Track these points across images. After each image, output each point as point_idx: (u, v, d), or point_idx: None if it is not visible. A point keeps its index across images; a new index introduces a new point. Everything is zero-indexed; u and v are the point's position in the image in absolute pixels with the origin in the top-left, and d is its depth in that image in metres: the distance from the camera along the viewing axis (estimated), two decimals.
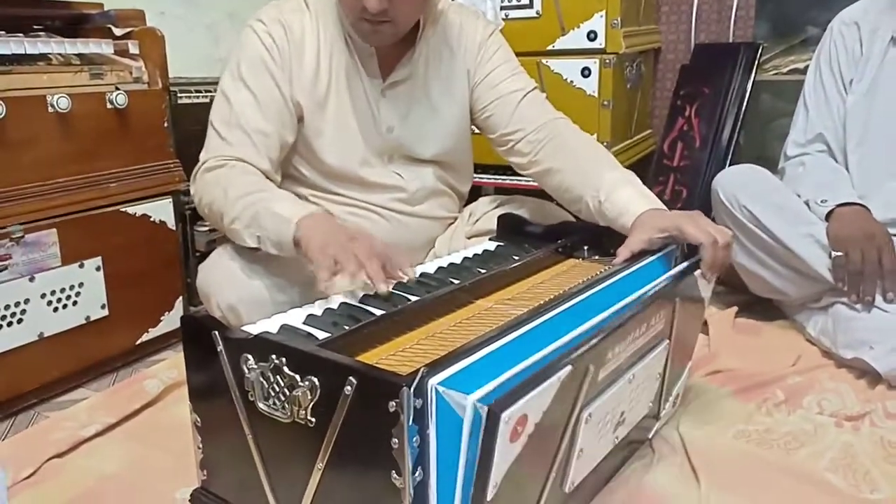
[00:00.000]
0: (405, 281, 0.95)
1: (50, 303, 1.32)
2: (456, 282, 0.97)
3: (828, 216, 1.42)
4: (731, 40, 2.09)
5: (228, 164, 1.15)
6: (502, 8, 1.90)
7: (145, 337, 1.50)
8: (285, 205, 1.06)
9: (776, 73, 2.06)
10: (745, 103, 2.00)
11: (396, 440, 0.63)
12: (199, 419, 0.83)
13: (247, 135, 1.17)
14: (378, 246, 0.96)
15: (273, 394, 0.72)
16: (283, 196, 1.11)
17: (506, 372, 0.66)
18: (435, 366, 0.65)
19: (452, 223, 1.40)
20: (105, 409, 1.25)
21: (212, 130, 1.20)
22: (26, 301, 1.28)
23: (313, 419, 0.69)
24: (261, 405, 0.74)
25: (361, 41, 1.19)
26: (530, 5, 1.87)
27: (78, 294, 1.36)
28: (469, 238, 1.34)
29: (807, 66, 1.66)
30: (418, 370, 0.63)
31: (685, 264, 1.01)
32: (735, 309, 1.60)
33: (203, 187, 1.16)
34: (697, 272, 1.00)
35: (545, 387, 0.65)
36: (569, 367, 0.68)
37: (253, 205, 1.06)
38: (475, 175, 1.48)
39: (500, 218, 1.27)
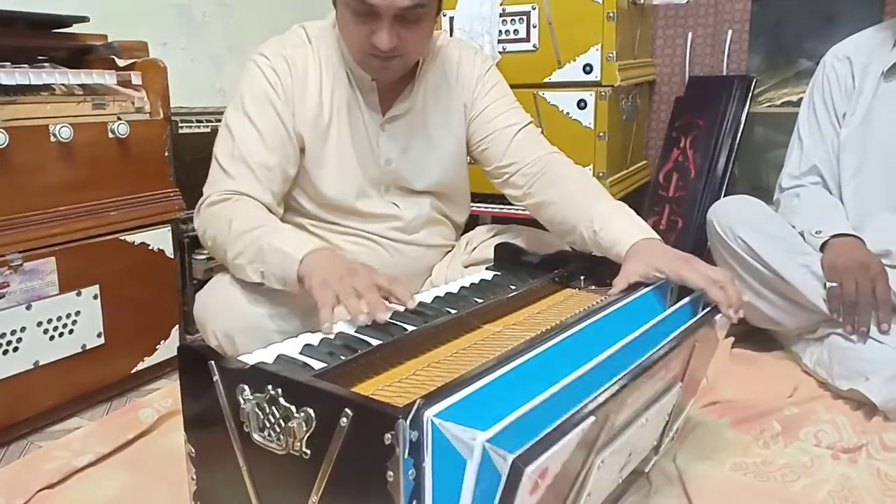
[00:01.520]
0: (404, 309, 0.96)
1: (46, 331, 1.32)
2: (453, 311, 0.97)
3: (822, 247, 1.43)
4: (724, 73, 2.12)
5: (232, 199, 1.16)
6: (500, 41, 1.92)
7: (141, 365, 1.50)
8: (289, 240, 1.06)
9: (770, 106, 2.09)
10: (739, 135, 2.02)
11: (392, 473, 0.62)
12: (193, 450, 0.82)
13: (250, 169, 1.18)
14: (378, 278, 0.96)
15: (268, 425, 0.72)
16: (287, 231, 1.12)
17: (507, 406, 0.64)
18: (431, 397, 0.65)
19: (449, 251, 1.41)
20: (98, 439, 1.24)
21: (215, 164, 1.21)
22: (22, 329, 1.28)
23: (308, 451, 0.69)
24: (256, 436, 0.73)
25: (370, 77, 1.21)
26: (527, 39, 1.89)
27: (74, 322, 1.36)
28: (466, 267, 1.35)
29: (800, 99, 1.69)
30: (414, 402, 0.63)
31: (707, 311, 1.00)
32: (732, 339, 1.60)
33: (207, 221, 1.17)
34: (719, 316, 0.99)
35: (569, 439, 0.63)
36: (592, 419, 0.66)
37: (257, 240, 1.07)
38: (472, 204, 1.49)
39: (497, 247, 1.28)
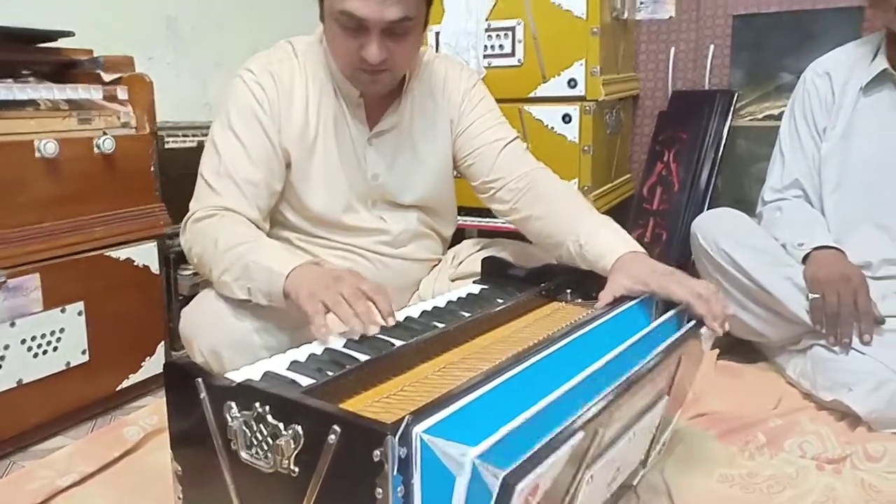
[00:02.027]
0: (388, 326, 0.96)
1: (30, 349, 1.31)
2: (441, 325, 0.98)
3: (805, 259, 1.45)
4: (707, 87, 2.15)
5: (218, 215, 1.16)
6: (485, 56, 1.94)
7: (126, 383, 1.48)
8: (274, 256, 1.06)
9: (752, 120, 2.12)
10: (721, 148, 2.05)
11: (380, 490, 0.62)
12: (180, 468, 0.82)
13: (236, 184, 1.18)
14: (365, 285, 0.97)
15: (256, 442, 0.72)
16: (272, 247, 1.12)
17: (495, 421, 0.64)
18: (420, 413, 0.65)
19: (436, 265, 1.41)
20: (83, 458, 1.22)
21: (201, 180, 1.21)
22: (6, 347, 1.27)
23: (296, 469, 0.69)
24: (243, 454, 0.73)
25: (357, 92, 1.22)
26: (512, 54, 1.91)
27: (59, 339, 1.35)
28: (453, 280, 1.35)
29: (781, 113, 1.71)
30: (403, 418, 0.63)
31: (691, 324, 1.01)
32: (717, 351, 1.61)
33: (193, 237, 1.16)
34: (704, 329, 1.00)
35: (559, 455, 0.63)
36: (581, 434, 0.67)
37: (242, 256, 1.07)
38: (459, 217, 1.50)
39: (483, 261, 1.28)
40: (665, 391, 0.96)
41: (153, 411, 1.38)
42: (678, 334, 0.96)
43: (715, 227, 1.55)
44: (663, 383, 0.93)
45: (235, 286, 1.08)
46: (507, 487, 0.57)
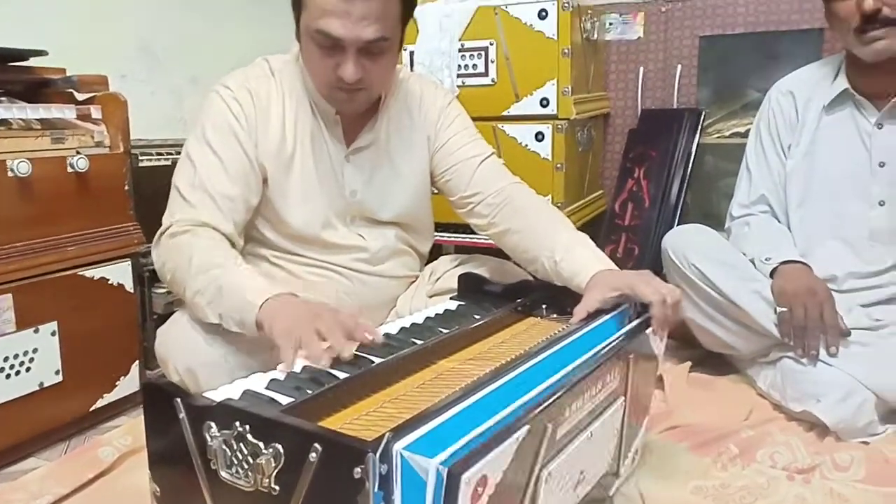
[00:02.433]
0: (369, 342, 0.95)
1: (2, 369, 1.29)
2: (419, 342, 0.99)
3: (772, 273, 1.48)
4: (675, 106, 2.20)
5: (192, 231, 1.14)
6: (459, 76, 1.97)
7: (100, 402, 1.47)
8: (248, 284, 1.04)
9: (719, 137, 2.17)
10: (690, 165, 2.09)
11: None
12: (158, 489, 0.81)
13: (211, 198, 1.17)
14: (342, 318, 0.95)
15: (236, 462, 0.72)
16: (247, 273, 1.09)
17: (467, 434, 0.67)
18: (399, 430, 0.66)
19: (414, 282, 1.42)
20: (57, 479, 1.21)
21: (175, 193, 1.20)
22: None
23: (277, 487, 0.69)
24: (223, 474, 0.73)
25: (335, 109, 1.23)
26: (486, 73, 1.94)
27: (31, 360, 1.33)
28: (430, 297, 1.36)
29: (747, 130, 1.76)
30: (383, 435, 0.64)
31: (635, 322, 1.05)
32: (689, 364, 1.64)
33: (166, 253, 1.15)
34: (649, 330, 1.04)
35: (504, 447, 0.66)
36: (526, 427, 0.70)
37: (216, 279, 1.06)
38: (436, 233, 1.51)
39: (460, 277, 1.30)
40: (620, 392, 0.98)
41: (128, 431, 1.37)
42: (619, 333, 1.00)
43: (685, 243, 1.58)
44: (616, 383, 0.96)
45: (208, 309, 1.07)
46: (453, 478, 0.61)
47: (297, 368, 0.90)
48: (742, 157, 1.70)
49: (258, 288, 1.03)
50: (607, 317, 1.07)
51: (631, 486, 1.15)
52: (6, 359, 1.29)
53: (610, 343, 0.95)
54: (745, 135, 1.74)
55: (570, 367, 0.86)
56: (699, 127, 2.11)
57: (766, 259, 1.50)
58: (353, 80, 1.12)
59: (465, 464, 0.62)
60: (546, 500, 0.80)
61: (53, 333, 1.37)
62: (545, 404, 0.75)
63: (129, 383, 1.52)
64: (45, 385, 1.36)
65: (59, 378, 1.38)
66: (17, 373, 1.31)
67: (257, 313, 0.99)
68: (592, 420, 0.91)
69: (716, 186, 2.15)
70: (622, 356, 0.96)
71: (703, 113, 2.13)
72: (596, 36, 2.07)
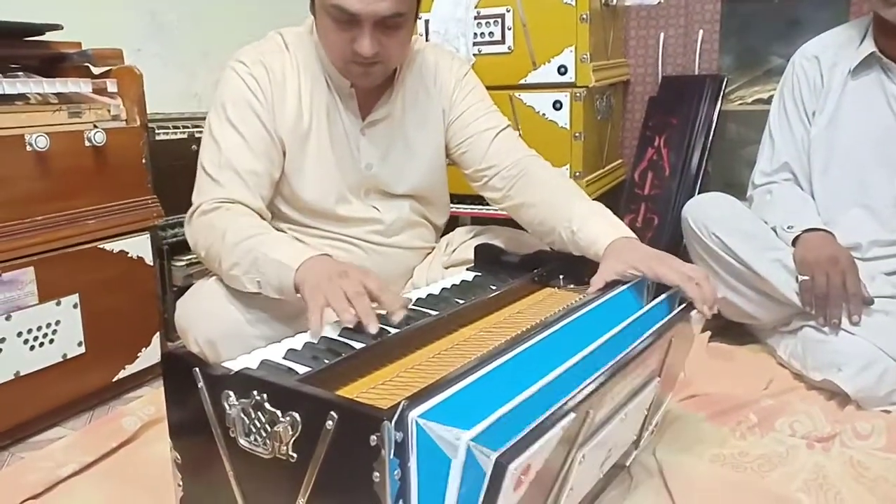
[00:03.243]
0: (394, 321, 0.94)
1: (27, 341, 1.31)
2: (435, 313, 0.99)
3: (794, 242, 1.46)
4: (696, 73, 2.15)
5: (223, 207, 1.16)
6: (475, 44, 1.94)
7: (122, 374, 1.49)
8: (284, 250, 1.06)
9: (741, 104, 2.13)
10: (711, 133, 2.05)
11: (378, 474, 0.63)
12: (179, 456, 0.83)
13: (238, 175, 1.18)
14: (369, 282, 0.96)
15: (254, 430, 0.73)
16: (282, 240, 1.12)
17: (489, 405, 0.66)
18: (415, 398, 0.66)
19: (429, 253, 1.42)
20: (82, 448, 1.23)
21: (202, 173, 1.21)
22: (2, 340, 1.27)
23: (294, 455, 0.70)
24: (242, 441, 0.74)
25: (349, 83, 1.22)
26: (502, 41, 1.91)
27: (55, 332, 1.35)
28: (446, 268, 1.36)
29: (770, 97, 1.72)
30: (399, 403, 0.64)
31: (681, 308, 1.02)
32: (708, 334, 1.63)
33: (199, 231, 1.16)
34: (694, 312, 1.01)
35: (550, 436, 0.65)
36: (572, 415, 0.68)
37: (252, 250, 1.07)
38: (451, 205, 1.51)
39: (476, 248, 1.29)
40: (656, 373, 0.97)
41: (150, 401, 1.39)
42: (669, 317, 0.98)
43: (705, 212, 1.56)
44: (654, 365, 0.95)
45: (245, 279, 1.08)
46: (500, 467, 0.59)
47: (326, 330, 0.91)
48: (765, 125, 1.66)
49: (294, 252, 1.05)
50: (624, 287, 1.06)
51: (648, 455, 1.15)
52: (29, 331, 1.31)
53: (657, 329, 0.92)
54: (768, 101, 1.70)
55: (619, 356, 0.82)
56: (721, 94, 2.06)
57: (788, 227, 1.48)
58: (369, 55, 1.11)
59: (513, 453, 0.60)
60: (576, 479, 0.80)
61: (75, 306, 1.39)
62: (591, 390, 0.73)
63: (150, 354, 1.54)
64: (69, 356, 1.39)
65: (82, 350, 1.41)
66: (41, 344, 1.34)
67: (294, 276, 1.01)
68: (628, 401, 0.90)
69: (738, 154, 2.12)
70: (665, 340, 0.94)
71: (725, 79, 2.09)
72: (615, 1, 2.03)
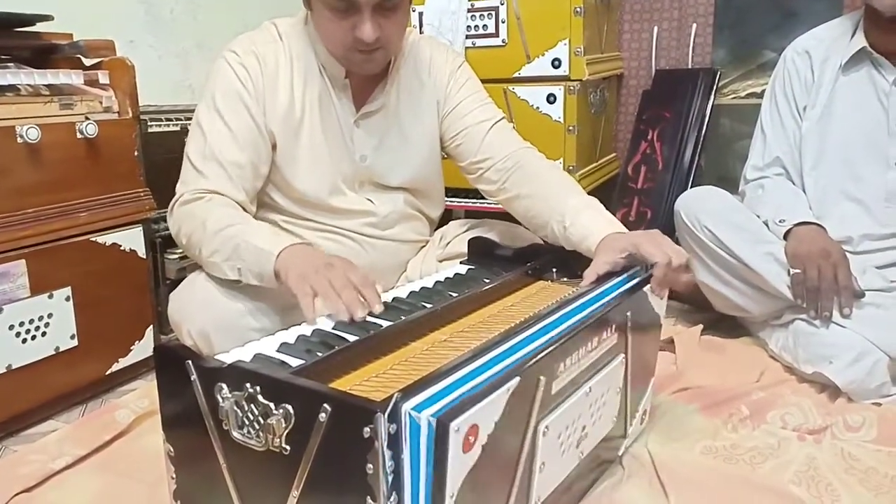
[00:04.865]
0: (375, 313, 0.96)
1: (18, 334, 1.31)
2: (428, 306, 0.99)
3: (786, 235, 1.47)
4: (690, 66, 2.16)
5: (205, 197, 1.16)
6: (468, 36, 1.94)
7: (115, 367, 1.49)
8: (265, 237, 1.07)
9: (734, 98, 2.13)
10: (704, 127, 2.06)
11: (371, 466, 0.64)
12: (172, 449, 0.83)
13: (222, 167, 1.18)
14: (354, 275, 0.97)
15: (247, 422, 0.73)
16: (262, 228, 1.13)
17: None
18: (408, 391, 0.67)
19: (423, 246, 1.42)
20: (75, 441, 1.23)
21: (187, 163, 1.21)
22: None
23: (288, 447, 0.70)
24: (235, 434, 0.74)
25: (345, 73, 1.22)
26: (496, 34, 1.91)
27: (47, 325, 1.35)
28: (440, 261, 1.36)
29: (763, 90, 1.72)
30: (392, 395, 0.64)
31: (634, 281, 1.04)
32: (700, 327, 1.63)
33: (181, 220, 1.17)
34: (646, 288, 1.03)
35: (494, 397, 0.68)
36: (517, 379, 0.71)
37: (232, 238, 1.08)
38: (446, 198, 1.51)
39: (470, 241, 1.29)
40: (620, 350, 0.99)
41: (144, 394, 1.39)
42: (620, 289, 1.01)
43: (698, 205, 1.56)
44: (614, 340, 0.96)
45: (226, 266, 1.09)
46: (442, 427, 0.62)
47: (320, 322, 0.92)
48: (757, 119, 1.67)
49: (274, 239, 1.06)
50: (616, 279, 1.07)
51: (640, 446, 1.15)
52: (21, 323, 1.31)
53: (605, 301, 0.96)
54: (762, 95, 1.71)
55: (564, 325, 0.87)
56: (714, 88, 2.07)
57: (780, 221, 1.49)
58: (371, 40, 1.11)
59: (454, 412, 0.63)
60: (546, 455, 0.81)
61: (68, 299, 1.38)
62: (536, 358, 0.76)
63: (143, 347, 1.54)
64: (61, 349, 1.38)
65: (75, 343, 1.40)
66: (34, 337, 1.33)
67: (275, 262, 1.02)
68: (591, 376, 0.91)
69: (731, 148, 2.12)
70: (619, 313, 0.96)
71: (719, 73, 2.09)
72: None
